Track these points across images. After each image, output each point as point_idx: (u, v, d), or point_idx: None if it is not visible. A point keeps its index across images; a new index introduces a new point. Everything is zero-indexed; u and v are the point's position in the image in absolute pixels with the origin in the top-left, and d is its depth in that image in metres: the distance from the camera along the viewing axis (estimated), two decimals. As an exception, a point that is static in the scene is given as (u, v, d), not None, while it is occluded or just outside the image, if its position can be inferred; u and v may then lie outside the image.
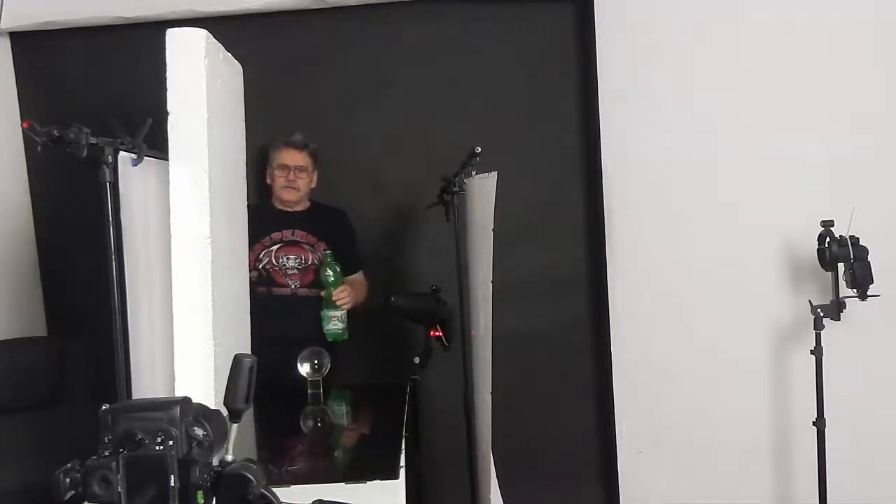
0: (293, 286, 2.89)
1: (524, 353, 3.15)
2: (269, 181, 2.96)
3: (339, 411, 2.81)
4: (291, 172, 2.90)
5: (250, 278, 2.76)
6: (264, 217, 2.89)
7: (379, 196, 3.23)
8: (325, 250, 2.93)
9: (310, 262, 2.92)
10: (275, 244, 2.91)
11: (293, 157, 2.90)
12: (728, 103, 2.94)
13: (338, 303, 2.80)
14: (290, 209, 2.96)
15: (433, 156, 2.99)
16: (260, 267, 2.87)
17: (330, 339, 2.80)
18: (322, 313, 2.81)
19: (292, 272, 2.89)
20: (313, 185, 2.98)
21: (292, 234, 2.94)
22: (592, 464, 3.28)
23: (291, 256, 2.91)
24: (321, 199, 3.05)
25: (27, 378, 2.68)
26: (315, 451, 2.42)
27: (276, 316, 2.78)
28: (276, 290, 2.89)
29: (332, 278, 2.82)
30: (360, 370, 3.16)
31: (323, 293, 2.83)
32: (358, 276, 3.05)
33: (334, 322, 2.81)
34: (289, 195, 2.92)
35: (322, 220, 3.01)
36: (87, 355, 2.80)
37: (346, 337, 2.84)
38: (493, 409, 2.39)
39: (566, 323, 3.24)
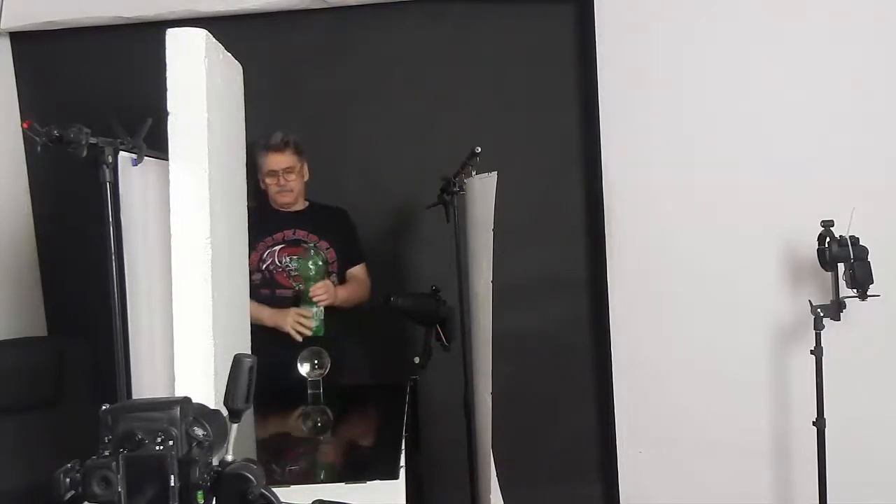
0: (296, 288, 2.89)
1: (524, 353, 3.15)
2: (262, 186, 2.94)
3: (339, 411, 2.81)
4: (281, 177, 2.87)
5: (254, 280, 2.76)
6: (265, 218, 2.88)
7: (379, 196, 3.23)
8: (327, 248, 2.92)
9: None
10: (277, 244, 2.90)
11: (278, 161, 2.86)
12: (728, 103, 2.94)
13: (314, 299, 2.78)
14: (289, 210, 2.96)
15: (433, 156, 2.99)
16: (263, 268, 2.87)
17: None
18: (300, 306, 2.80)
19: (295, 274, 2.89)
20: (306, 178, 2.95)
21: (293, 234, 2.93)
22: (592, 464, 3.28)
23: (295, 257, 2.90)
24: (319, 199, 3.04)
25: (27, 378, 2.69)
26: (315, 451, 2.42)
27: None
28: (280, 292, 2.88)
29: (313, 272, 2.79)
30: (360, 370, 3.16)
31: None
32: (359, 270, 3.04)
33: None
34: (284, 198, 2.90)
35: (322, 219, 3.00)
36: (87, 355, 2.80)
37: (321, 333, 2.80)
38: (493, 409, 2.39)
39: (566, 323, 3.25)
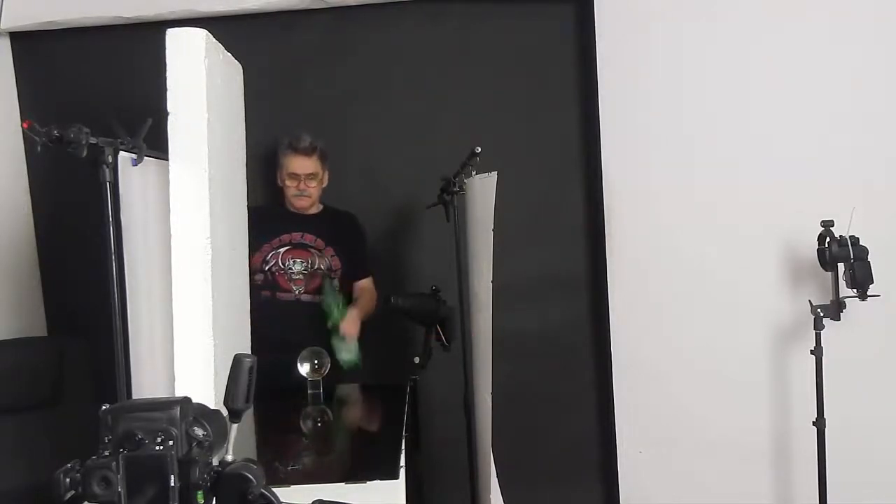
0: (297, 292, 2.88)
1: (524, 353, 3.15)
2: (280, 184, 2.94)
3: (339, 411, 2.80)
4: (302, 182, 2.86)
5: (256, 281, 2.75)
6: (275, 218, 2.88)
7: (379, 196, 3.23)
8: (332, 256, 2.91)
9: (316, 267, 2.90)
10: (283, 246, 2.90)
11: (302, 165, 2.85)
12: (728, 103, 2.94)
13: (345, 337, 2.74)
14: (303, 212, 2.94)
15: (433, 156, 2.99)
16: (266, 269, 2.86)
17: (345, 368, 2.74)
18: (333, 342, 2.75)
19: (297, 277, 2.88)
20: (325, 184, 2.95)
21: (301, 237, 2.92)
22: (592, 464, 3.28)
23: (298, 260, 2.89)
24: (332, 202, 3.03)
25: (27, 378, 2.69)
26: (315, 451, 2.42)
27: (279, 321, 2.77)
28: (280, 295, 2.88)
29: (336, 309, 2.76)
30: (360, 370, 3.16)
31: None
32: (367, 283, 3.02)
33: (346, 352, 2.74)
34: (301, 203, 2.90)
35: (332, 224, 2.98)
36: (87, 355, 2.80)
37: (360, 364, 2.77)
38: (493, 409, 2.39)
39: (566, 323, 3.24)
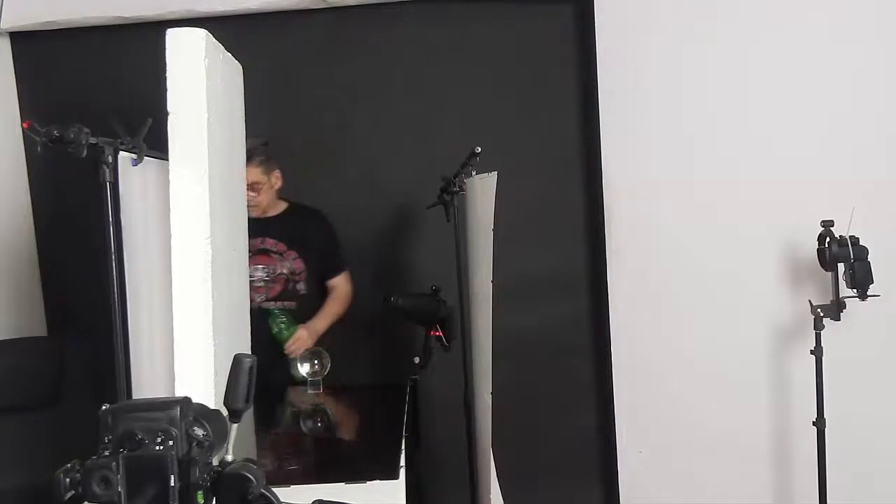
0: (258, 300, 2.80)
1: (524, 353, 3.15)
2: None
3: (339, 411, 2.80)
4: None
5: None
6: None
7: (379, 196, 3.23)
8: (294, 258, 2.86)
9: (278, 272, 2.85)
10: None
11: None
12: (728, 103, 2.94)
13: (290, 354, 2.74)
14: (262, 215, 2.83)
15: (433, 156, 2.99)
16: None
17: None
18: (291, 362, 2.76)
19: (259, 285, 2.81)
20: (276, 187, 2.83)
21: (262, 242, 2.83)
22: (592, 464, 3.28)
23: (260, 266, 2.82)
24: (299, 199, 2.95)
25: (27, 378, 2.69)
26: (315, 451, 2.42)
27: None
28: None
29: (275, 330, 2.75)
30: (360, 370, 3.16)
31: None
32: (340, 281, 2.95)
33: (303, 368, 2.72)
34: (252, 212, 2.73)
35: (295, 225, 2.89)
36: (87, 355, 2.80)
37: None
38: (493, 409, 2.39)
39: (566, 323, 3.24)
